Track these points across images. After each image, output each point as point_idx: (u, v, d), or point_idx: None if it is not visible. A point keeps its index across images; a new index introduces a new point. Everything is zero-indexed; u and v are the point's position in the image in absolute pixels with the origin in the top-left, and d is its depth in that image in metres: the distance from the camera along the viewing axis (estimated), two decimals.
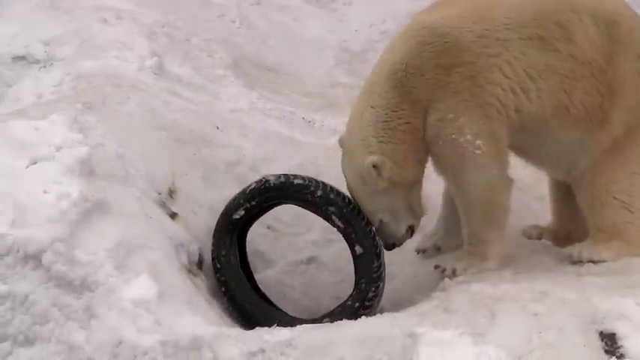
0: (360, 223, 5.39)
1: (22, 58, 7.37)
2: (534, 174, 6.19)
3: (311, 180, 5.44)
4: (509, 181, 5.45)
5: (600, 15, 5.26)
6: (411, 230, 5.63)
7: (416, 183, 5.59)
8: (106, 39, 7.43)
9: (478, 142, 5.22)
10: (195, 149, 6.29)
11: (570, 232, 5.88)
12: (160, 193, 5.66)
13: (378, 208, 5.49)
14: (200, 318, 4.78)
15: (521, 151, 5.69)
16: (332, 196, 5.39)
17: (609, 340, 4.34)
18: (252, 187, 5.50)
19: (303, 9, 10.07)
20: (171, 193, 5.78)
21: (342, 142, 5.61)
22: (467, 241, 5.52)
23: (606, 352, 4.30)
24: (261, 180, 5.49)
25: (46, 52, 7.33)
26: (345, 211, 5.38)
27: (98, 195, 4.97)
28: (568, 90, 5.28)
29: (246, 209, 5.49)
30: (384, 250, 5.50)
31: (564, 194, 5.86)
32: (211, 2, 9.39)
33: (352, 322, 4.82)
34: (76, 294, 4.60)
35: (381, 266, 5.36)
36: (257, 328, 4.89)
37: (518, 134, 5.42)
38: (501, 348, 4.30)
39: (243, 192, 5.51)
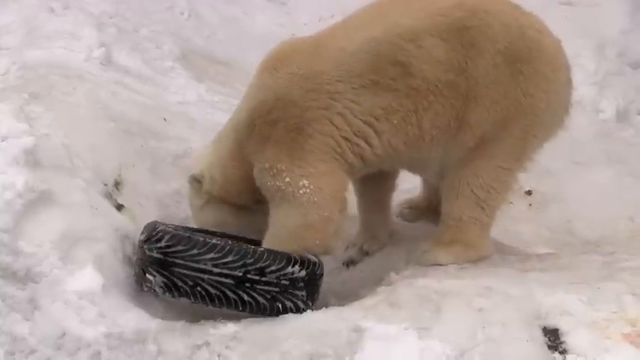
0: None
1: None
2: None
3: None
4: (337, 225, 5.34)
5: (445, 29, 5.22)
6: None
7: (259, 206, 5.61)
8: (53, 29, 7.39)
9: (303, 182, 5.18)
10: (143, 141, 6.26)
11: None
12: (106, 185, 5.62)
13: (208, 223, 5.61)
14: (145, 311, 4.76)
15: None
16: None
17: (552, 336, 4.38)
18: None
19: (253, 2, 10.12)
20: (117, 184, 5.75)
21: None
22: None
23: (549, 347, 4.34)
24: None
25: None
26: None
27: (43, 186, 4.92)
28: (416, 122, 5.29)
29: None
30: None
31: None
32: None
33: (298, 315, 4.82)
34: (20, 285, 4.55)
35: None
36: (202, 321, 4.88)
37: (374, 166, 5.50)
38: (446, 343, 4.33)
39: None
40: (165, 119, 6.66)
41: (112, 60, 7.32)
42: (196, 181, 5.54)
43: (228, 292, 4.85)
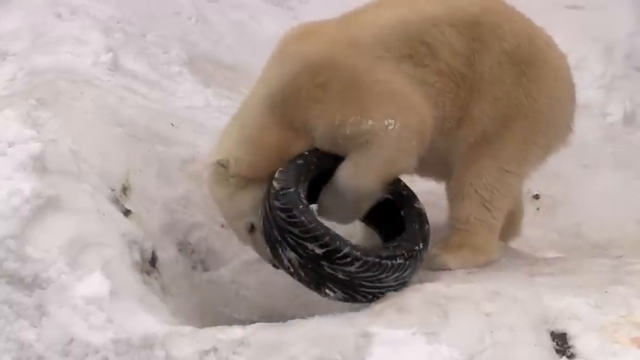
0: None
1: None
2: None
3: None
4: (416, 154, 5.35)
5: (461, 22, 5.38)
6: None
7: None
8: (60, 34, 7.37)
9: (388, 120, 5.17)
10: (150, 146, 6.25)
11: None
12: (113, 190, 5.62)
13: (243, 211, 5.39)
14: (153, 316, 4.76)
15: None
16: None
17: (560, 340, 4.38)
18: None
19: (260, 7, 10.11)
20: (125, 190, 5.74)
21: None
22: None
23: (557, 351, 4.34)
24: None
25: None
26: None
27: (51, 191, 4.93)
28: (442, 103, 5.38)
29: None
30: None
31: None
32: None
33: (306, 320, 4.82)
34: (27, 291, 4.56)
35: None
36: (210, 326, 4.87)
37: None
38: (454, 347, 4.34)
39: None
40: (172, 124, 6.64)
41: (119, 65, 7.30)
42: (221, 166, 5.33)
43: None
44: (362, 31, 5.38)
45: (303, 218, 4.90)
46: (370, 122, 5.16)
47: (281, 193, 4.98)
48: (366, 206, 5.32)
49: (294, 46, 5.42)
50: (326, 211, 5.30)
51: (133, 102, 6.71)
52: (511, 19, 5.52)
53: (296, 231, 4.89)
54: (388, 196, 5.36)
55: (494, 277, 5.12)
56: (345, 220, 5.40)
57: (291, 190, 4.98)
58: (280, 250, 4.98)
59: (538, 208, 7.30)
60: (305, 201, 5.00)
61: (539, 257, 5.97)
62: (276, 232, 4.95)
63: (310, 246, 4.89)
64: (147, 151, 6.17)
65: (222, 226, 6.05)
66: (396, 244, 5.11)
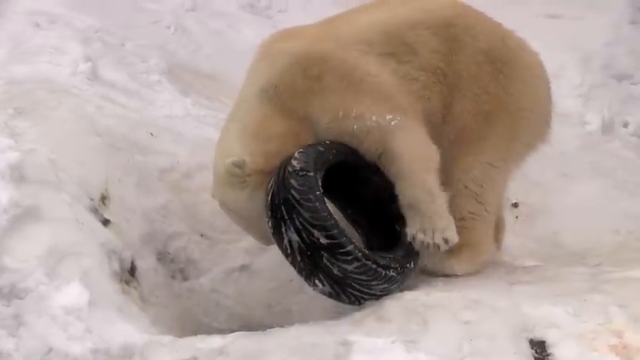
0: None
1: None
2: None
3: None
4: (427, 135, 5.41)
5: (437, 24, 5.51)
6: None
7: None
8: (38, 43, 7.35)
9: (387, 116, 5.21)
10: (129, 155, 6.23)
11: None
12: (92, 200, 5.60)
13: (259, 209, 5.18)
14: (132, 326, 4.74)
15: None
16: None
17: (539, 348, 4.39)
18: None
19: (239, 16, 10.12)
20: (103, 199, 5.72)
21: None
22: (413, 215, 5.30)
23: (536, 359, 4.35)
24: None
25: None
26: None
27: (29, 201, 4.91)
28: (427, 96, 5.47)
29: None
30: None
31: None
32: (146, 8, 9.38)
33: (285, 329, 4.81)
34: (5, 301, 4.53)
35: None
36: (189, 335, 4.86)
37: None
38: (433, 355, 4.33)
39: None
40: (151, 134, 6.63)
41: (98, 74, 7.27)
42: (237, 167, 5.19)
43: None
44: (342, 31, 5.45)
45: (317, 205, 4.86)
46: (374, 117, 5.20)
47: (300, 173, 4.91)
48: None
49: (279, 45, 5.45)
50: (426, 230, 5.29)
51: (112, 111, 6.69)
52: (483, 21, 5.66)
53: (307, 215, 4.83)
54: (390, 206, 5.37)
55: (474, 286, 5.13)
56: (443, 218, 5.31)
57: (311, 173, 4.92)
58: (284, 228, 4.90)
59: (517, 217, 7.31)
60: (321, 189, 4.96)
61: (518, 265, 5.98)
62: (284, 210, 4.89)
63: (317, 234, 4.84)
64: (126, 160, 6.16)
65: (202, 235, 6.04)
66: (392, 256, 5.12)
